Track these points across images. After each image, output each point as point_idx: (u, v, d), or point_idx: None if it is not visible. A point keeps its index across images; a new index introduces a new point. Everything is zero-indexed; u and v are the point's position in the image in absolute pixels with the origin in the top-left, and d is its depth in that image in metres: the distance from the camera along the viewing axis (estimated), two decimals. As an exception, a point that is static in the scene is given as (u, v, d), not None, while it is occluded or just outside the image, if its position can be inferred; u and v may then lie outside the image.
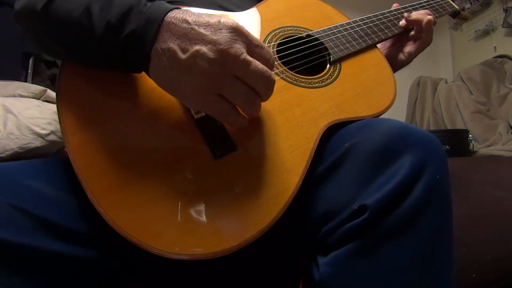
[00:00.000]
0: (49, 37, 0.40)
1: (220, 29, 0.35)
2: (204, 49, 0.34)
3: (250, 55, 0.36)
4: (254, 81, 0.36)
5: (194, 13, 0.37)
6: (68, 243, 0.35)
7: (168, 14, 0.36)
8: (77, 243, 0.35)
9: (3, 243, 0.31)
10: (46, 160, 0.43)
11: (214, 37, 0.34)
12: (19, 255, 0.32)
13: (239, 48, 0.35)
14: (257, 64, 0.36)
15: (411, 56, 0.69)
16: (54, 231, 0.34)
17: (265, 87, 0.37)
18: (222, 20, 0.36)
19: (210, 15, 0.37)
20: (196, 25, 0.35)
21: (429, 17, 0.66)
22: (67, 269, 0.35)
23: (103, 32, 0.36)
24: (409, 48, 0.68)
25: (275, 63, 0.51)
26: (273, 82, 0.38)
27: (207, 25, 0.35)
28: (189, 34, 0.35)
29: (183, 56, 0.35)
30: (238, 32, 0.35)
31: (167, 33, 0.35)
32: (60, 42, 0.40)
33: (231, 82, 0.36)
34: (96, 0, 0.37)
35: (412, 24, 0.67)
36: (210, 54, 0.34)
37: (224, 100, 0.37)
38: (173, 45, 0.35)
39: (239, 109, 0.39)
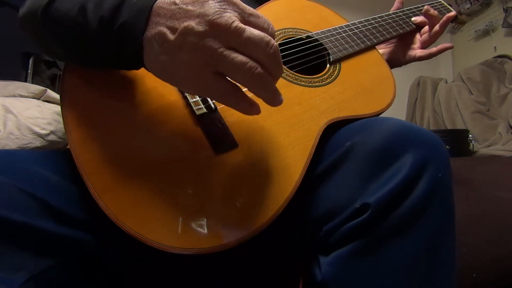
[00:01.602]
0: (51, 40, 0.40)
1: (207, 2, 0.32)
2: (192, 23, 0.32)
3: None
4: (251, 48, 0.32)
5: None
6: (70, 227, 0.35)
7: (158, 1, 0.35)
8: (79, 229, 0.36)
9: (7, 222, 0.31)
10: (51, 150, 0.44)
11: (201, 10, 0.32)
12: (22, 234, 0.32)
13: (230, 17, 0.31)
14: (252, 30, 0.32)
15: (410, 59, 0.71)
16: (57, 215, 0.35)
17: (266, 54, 0.32)
18: None
19: None
20: (183, 4, 0.33)
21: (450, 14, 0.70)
22: (69, 252, 0.35)
23: (97, 27, 0.36)
24: (413, 51, 0.71)
25: None
26: (275, 47, 0.32)
27: (194, 1, 0.33)
28: (177, 14, 0.33)
29: (172, 36, 0.33)
30: (227, 1, 0.33)
31: (157, 18, 0.34)
32: (61, 43, 0.40)
33: (226, 54, 0.32)
34: None
35: (430, 19, 0.70)
36: (199, 28, 0.31)
37: (223, 78, 0.34)
38: (162, 28, 0.33)
39: (251, 92, 0.35)
